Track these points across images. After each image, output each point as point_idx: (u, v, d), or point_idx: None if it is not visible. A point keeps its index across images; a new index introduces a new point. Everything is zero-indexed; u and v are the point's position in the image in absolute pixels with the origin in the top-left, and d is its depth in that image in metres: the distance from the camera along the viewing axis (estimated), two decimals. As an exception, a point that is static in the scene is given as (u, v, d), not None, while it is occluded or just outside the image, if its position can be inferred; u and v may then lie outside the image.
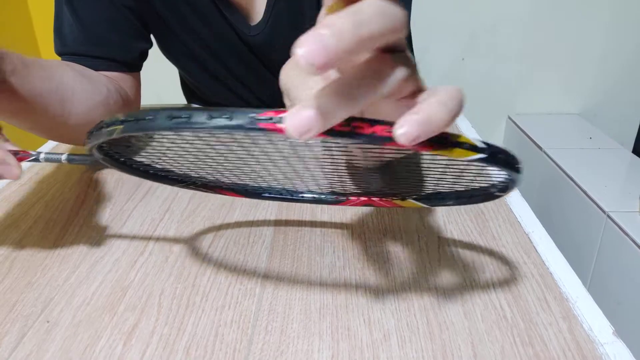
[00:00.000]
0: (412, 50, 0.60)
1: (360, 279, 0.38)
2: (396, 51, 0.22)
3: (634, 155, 1.36)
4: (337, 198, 0.39)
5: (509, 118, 1.64)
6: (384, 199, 0.37)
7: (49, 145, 0.65)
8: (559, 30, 1.52)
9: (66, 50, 0.58)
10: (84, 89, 0.53)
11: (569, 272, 0.39)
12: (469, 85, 1.59)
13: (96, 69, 0.58)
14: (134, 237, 0.44)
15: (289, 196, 0.39)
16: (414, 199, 0.36)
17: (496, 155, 0.23)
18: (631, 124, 1.64)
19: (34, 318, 0.35)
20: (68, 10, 0.58)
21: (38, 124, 0.50)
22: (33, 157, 0.40)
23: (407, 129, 0.20)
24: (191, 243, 0.43)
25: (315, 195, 0.39)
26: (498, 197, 0.32)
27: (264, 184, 0.39)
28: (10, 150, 0.39)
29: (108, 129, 0.24)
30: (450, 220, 0.46)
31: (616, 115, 1.63)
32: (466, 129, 0.67)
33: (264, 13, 0.63)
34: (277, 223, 0.46)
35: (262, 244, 0.42)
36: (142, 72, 0.66)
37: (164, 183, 0.38)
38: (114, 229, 0.45)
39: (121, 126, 0.24)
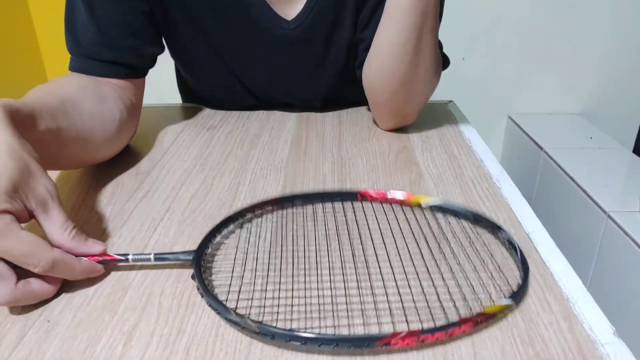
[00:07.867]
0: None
1: (360, 279, 0.38)
2: None
3: (634, 155, 1.36)
4: None
5: (509, 118, 1.64)
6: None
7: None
8: (559, 30, 1.52)
9: (80, 50, 0.58)
10: (102, 117, 0.54)
11: (569, 272, 0.39)
12: (469, 85, 1.59)
13: (106, 76, 0.58)
14: (134, 237, 0.44)
15: None
16: None
17: None
18: (631, 124, 1.64)
19: (34, 318, 0.35)
20: (84, 9, 0.57)
21: (65, 166, 0.54)
22: (122, 260, 0.39)
23: None
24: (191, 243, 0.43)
25: None
26: None
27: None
28: (92, 256, 0.38)
29: None
30: (450, 220, 0.46)
31: (616, 115, 1.63)
32: (467, 129, 0.67)
33: (305, 6, 0.64)
34: (277, 223, 0.46)
35: (263, 244, 0.42)
36: (142, 72, 0.66)
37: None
38: (114, 229, 0.45)
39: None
